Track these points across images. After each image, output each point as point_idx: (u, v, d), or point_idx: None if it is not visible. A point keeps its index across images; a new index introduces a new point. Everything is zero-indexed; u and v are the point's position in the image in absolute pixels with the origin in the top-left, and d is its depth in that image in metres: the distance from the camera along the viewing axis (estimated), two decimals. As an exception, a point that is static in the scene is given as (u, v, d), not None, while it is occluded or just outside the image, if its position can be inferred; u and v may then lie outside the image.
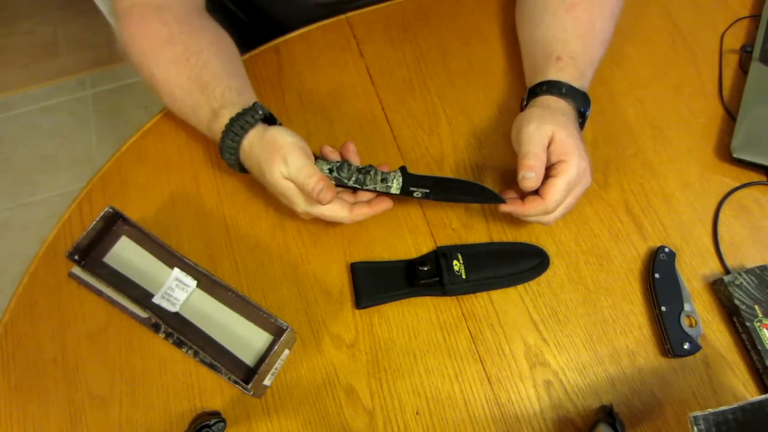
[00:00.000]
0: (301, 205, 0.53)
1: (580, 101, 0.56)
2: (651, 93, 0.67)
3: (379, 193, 0.56)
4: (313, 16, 0.72)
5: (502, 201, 0.55)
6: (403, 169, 0.56)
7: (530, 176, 0.51)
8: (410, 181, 0.56)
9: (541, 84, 0.57)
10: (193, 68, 0.57)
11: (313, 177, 0.51)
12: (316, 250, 0.59)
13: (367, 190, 0.56)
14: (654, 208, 0.61)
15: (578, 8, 0.59)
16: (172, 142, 0.66)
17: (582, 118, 0.58)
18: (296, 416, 0.53)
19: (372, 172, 0.56)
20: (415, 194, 0.56)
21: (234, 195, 0.62)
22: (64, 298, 0.58)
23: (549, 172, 0.53)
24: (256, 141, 0.54)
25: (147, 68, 0.59)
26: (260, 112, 0.55)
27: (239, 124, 0.54)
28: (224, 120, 0.54)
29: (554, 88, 0.56)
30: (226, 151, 0.55)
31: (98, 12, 1.56)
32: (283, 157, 0.52)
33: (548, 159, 0.53)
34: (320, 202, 0.51)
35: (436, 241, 0.59)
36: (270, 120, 0.56)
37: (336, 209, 0.53)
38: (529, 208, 0.53)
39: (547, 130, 0.52)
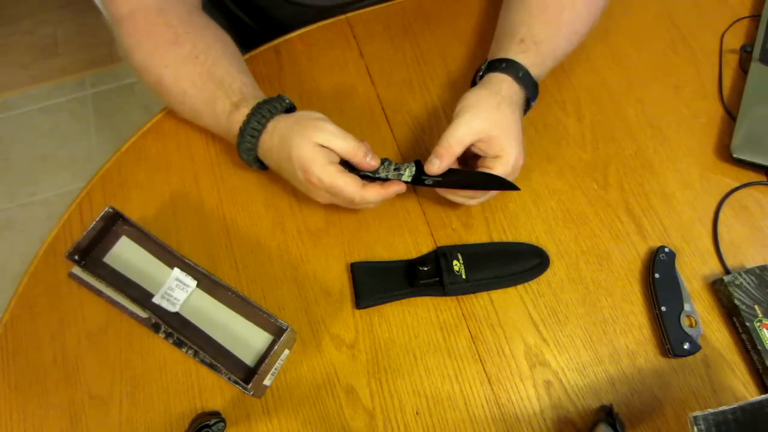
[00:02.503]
0: (316, 173, 0.52)
1: (531, 90, 0.57)
2: (651, 93, 0.67)
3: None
4: (313, 17, 0.72)
5: (517, 188, 0.54)
6: (417, 162, 0.56)
7: (435, 162, 0.53)
8: (423, 171, 0.55)
9: (501, 60, 0.57)
10: (204, 65, 0.58)
11: (362, 145, 0.53)
12: (316, 250, 0.59)
13: (379, 178, 0.55)
14: (654, 208, 0.61)
15: None
16: (172, 142, 0.66)
17: (527, 107, 0.58)
18: (296, 416, 0.53)
19: (386, 163, 0.56)
20: (426, 182, 0.55)
21: (234, 195, 0.62)
22: (64, 298, 0.58)
23: (484, 162, 0.54)
24: (282, 119, 0.55)
25: (154, 70, 0.59)
26: (286, 101, 0.57)
27: (267, 108, 0.55)
28: (247, 109, 0.55)
29: (512, 69, 0.56)
30: (248, 133, 0.55)
31: (98, 12, 1.56)
32: (321, 127, 0.53)
33: (484, 150, 0.54)
34: (369, 168, 0.54)
35: (436, 241, 0.59)
36: (291, 111, 0.58)
37: (349, 181, 0.52)
38: (458, 192, 0.55)
39: (479, 127, 0.52)
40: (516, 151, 0.53)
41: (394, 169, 0.56)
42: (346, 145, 0.53)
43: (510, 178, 0.54)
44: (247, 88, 0.58)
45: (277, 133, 0.54)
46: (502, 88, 0.55)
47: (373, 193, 0.53)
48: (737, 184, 0.61)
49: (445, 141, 0.53)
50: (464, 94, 0.56)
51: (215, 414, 0.51)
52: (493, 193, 0.57)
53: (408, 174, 0.55)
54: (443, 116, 0.66)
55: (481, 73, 0.58)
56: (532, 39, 0.58)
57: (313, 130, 0.52)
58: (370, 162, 0.54)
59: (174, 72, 0.59)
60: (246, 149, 0.56)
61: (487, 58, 0.60)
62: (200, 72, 0.58)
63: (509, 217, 0.60)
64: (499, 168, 0.53)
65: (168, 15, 0.60)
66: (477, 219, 0.60)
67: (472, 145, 0.54)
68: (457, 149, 0.53)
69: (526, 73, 0.56)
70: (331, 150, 0.53)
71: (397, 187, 0.55)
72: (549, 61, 0.59)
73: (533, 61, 0.56)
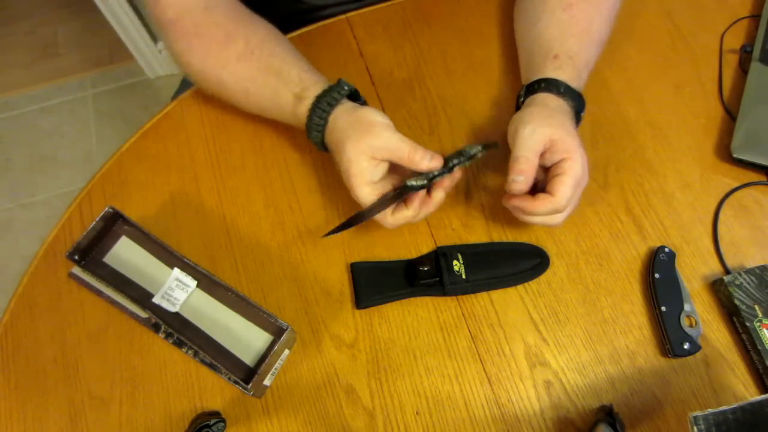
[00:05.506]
0: (354, 190, 0.52)
1: (577, 102, 0.56)
2: (651, 93, 0.67)
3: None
4: (313, 16, 0.72)
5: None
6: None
7: (519, 179, 0.51)
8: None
9: (539, 81, 0.57)
10: (260, 59, 0.57)
11: (419, 147, 0.51)
12: (316, 250, 0.59)
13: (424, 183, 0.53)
14: (654, 208, 0.61)
15: (575, 7, 0.59)
16: (172, 142, 0.66)
17: (577, 118, 0.57)
18: (296, 416, 0.53)
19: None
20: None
21: (234, 195, 0.63)
22: (64, 298, 0.58)
23: (554, 170, 0.52)
24: (342, 115, 0.53)
25: (212, 73, 0.59)
26: (345, 87, 0.55)
27: (326, 101, 0.54)
28: (309, 100, 0.54)
29: (552, 86, 0.56)
30: (314, 129, 0.55)
31: (98, 12, 1.56)
32: (376, 134, 0.51)
33: (550, 158, 0.52)
34: (433, 170, 0.51)
35: (436, 241, 0.59)
36: (354, 96, 0.57)
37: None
38: (539, 205, 0.51)
39: (542, 134, 0.51)
40: (580, 152, 0.51)
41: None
42: (399, 153, 0.51)
43: (582, 182, 0.52)
44: (307, 74, 0.57)
45: (335, 132, 0.53)
46: (547, 102, 0.55)
47: (400, 219, 0.53)
48: (737, 184, 0.61)
49: (522, 157, 0.51)
50: (512, 117, 0.55)
51: (215, 414, 0.51)
52: (575, 203, 0.53)
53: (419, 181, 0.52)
54: (443, 116, 0.66)
55: (522, 99, 0.58)
56: (566, 54, 0.57)
57: (368, 136, 0.51)
58: (429, 164, 0.51)
59: (233, 72, 0.58)
60: (317, 143, 0.56)
61: (522, 80, 0.60)
62: (258, 67, 0.57)
63: (509, 217, 0.60)
64: (570, 169, 0.51)
65: (215, 14, 0.59)
66: (477, 219, 0.60)
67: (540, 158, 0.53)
68: (535, 160, 0.51)
69: (567, 87, 0.55)
70: (384, 160, 0.52)
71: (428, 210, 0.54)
72: (585, 73, 0.59)
73: (570, 75, 0.56)
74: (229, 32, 0.59)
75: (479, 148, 0.54)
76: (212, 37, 0.59)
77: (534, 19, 0.62)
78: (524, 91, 0.58)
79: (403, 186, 0.53)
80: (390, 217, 0.52)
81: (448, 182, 0.54)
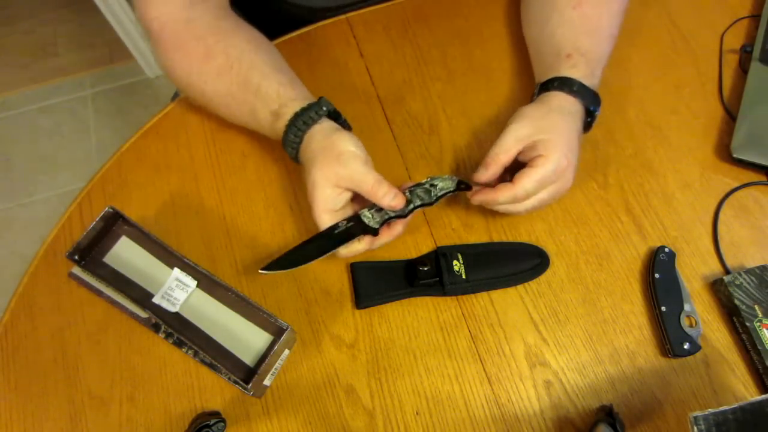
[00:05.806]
0: (315, 214, 0.52)
1: (591, 100, 0.56)
2: (651, 93, 0.67)
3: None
4: (313, 18, 0.72)
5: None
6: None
7: (482, 171, 0.54)
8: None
9: (552, 80, 0.56)
10: (239, 74, 0.57)
11: (384, 182, 0.51)
12: (316, 250, 0.59)
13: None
14: (654, 208, 0.61)
15: (585, 5, 0.59)
16: (172, 142, 0.66)
17: (591, 117, 0.57)
18: (296, 416, 0.53)
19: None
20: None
21: (234, 195, 0.62)
22: (64, 298, 0.58)
23: (528, 163, 0.53)
24: (316, 136, 0.53)
25: (197, 87, 0.59)
26: (324, 108, 0.54)
27: (302, 120, 0.53)
28: (287, 117, 0.54)
29: (566, 84, 0.55)
30: (289, 145, 0.55)
31: (98, 12, 1.56)
32: (342, 162, 0.51)
33: (528, 155, 0.53)
34: (393, 208, 0.52)
35: (436, 241, 0.59)
36: (334, 116, 0.56)
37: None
38: (499, 195, 0.52)
39: (524, 134, 0.52)
40: (560, 154, 0.51)
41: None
42: (363, 186, 0.51)
43: (553, 181, 0.52)
44: (285, 89, 0.56)
45: (308, 151, 0.53)
46: (552, 101, 0.55)
47: (353, 251, 0.54)
48: (737, 184, 0.61)
49: (492, 151, 0.53)
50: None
51: (215, 414, 0.51)
52: (542, 199, 0.54)
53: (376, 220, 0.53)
54: (443, 116, 0.66)
55: (536, 98, 0.58)
56: (578, 51, 0.57)
57: (335, 164, 0.51)
58: (391, 203, 0.51)
59: (213, 87, 0.58)
60: (292, 158, 0.56)
61: (536, 80, 0.61)
62: (237, 82, 0.57)
63: (509, 217, 0.60)
64: (540, 166, 0.51)
65: (196, 26, 0.59)
66: (477, 219, 0.60)
67: (520, 153, 0.53)
68: (504, 158, 0.53)
69: (581, 85, 0.55)
70: (348, 189, 0.52)
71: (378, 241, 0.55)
72: (598, 70, 0.59)
73: (584, 73, 0.56)
74: (209, 46, 0.58)
75: (450, 186, 0.55)
76: (193, 52, 0.59)
77: (543, 18, 0.62)
78: (538, 89, 0.58)
79: (356, 219, 0.53)
80: (343, 249, 0.52)
81: (408, 216, 0.55)
